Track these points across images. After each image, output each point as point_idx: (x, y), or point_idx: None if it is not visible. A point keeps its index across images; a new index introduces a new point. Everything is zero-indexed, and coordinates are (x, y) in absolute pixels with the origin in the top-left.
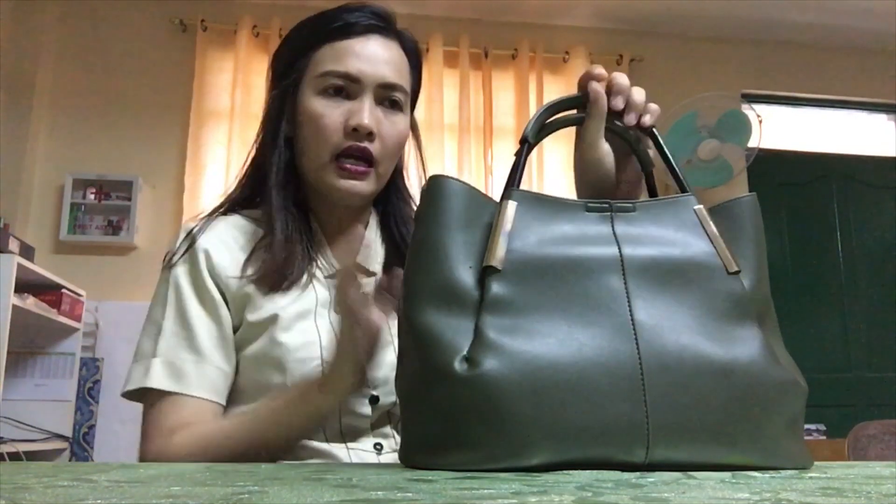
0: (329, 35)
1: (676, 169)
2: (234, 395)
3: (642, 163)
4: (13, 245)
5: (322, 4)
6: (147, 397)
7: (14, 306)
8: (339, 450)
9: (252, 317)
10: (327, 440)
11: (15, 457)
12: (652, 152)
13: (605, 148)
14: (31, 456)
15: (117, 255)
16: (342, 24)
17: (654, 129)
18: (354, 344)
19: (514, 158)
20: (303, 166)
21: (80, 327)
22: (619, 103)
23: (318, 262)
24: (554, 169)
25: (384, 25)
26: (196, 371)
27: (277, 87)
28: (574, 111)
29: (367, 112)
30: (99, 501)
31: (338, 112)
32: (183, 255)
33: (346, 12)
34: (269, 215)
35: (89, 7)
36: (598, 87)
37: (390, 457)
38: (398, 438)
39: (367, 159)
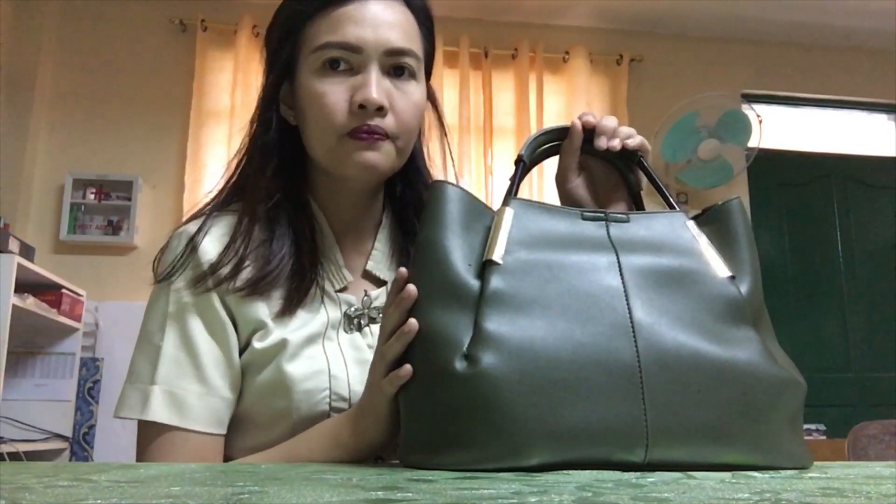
0: (321, 2)
1: (666, 193)
2: (240, 422)
3: (630, 185)
4: (13, 245)
5: None
6: (145, 424)
7: (14, 306)
8: None
9: (259, 344)
10: None
11: (15, 457)
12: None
13: (579, 180)
14: (31, 456)
15: (117, 255)
16: None
17: (643, 158)
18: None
19: (512, 170)
20: (310, 152)
21: (80, 327)
22: (601, 134)
23: (329, 272)
24: (553, 185)
25: None
26: (200, 403)
27: (272, 68)
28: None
29: (373, 85)
30: (99, 501)
31: (341, 88)
32: (184, 268)
33: None
34: (268, 218)
35: (89, 7)
36: (577, 123)
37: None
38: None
39: (382, 134)
